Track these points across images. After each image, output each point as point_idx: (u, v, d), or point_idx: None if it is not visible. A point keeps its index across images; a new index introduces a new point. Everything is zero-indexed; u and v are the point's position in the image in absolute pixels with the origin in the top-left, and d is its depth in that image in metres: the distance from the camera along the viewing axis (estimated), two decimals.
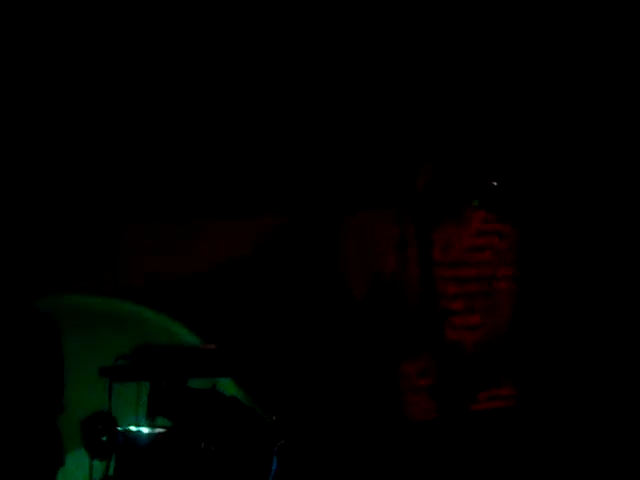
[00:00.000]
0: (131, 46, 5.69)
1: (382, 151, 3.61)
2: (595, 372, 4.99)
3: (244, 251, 5.33)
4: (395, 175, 3.49)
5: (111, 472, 4.69)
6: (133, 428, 4.82)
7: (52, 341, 4.71)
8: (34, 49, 5.73)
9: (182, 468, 4.76)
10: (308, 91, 5.43)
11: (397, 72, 5.24)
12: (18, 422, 4.48)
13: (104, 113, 5.81)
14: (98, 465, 4.82)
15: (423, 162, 3.60)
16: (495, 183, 3.83)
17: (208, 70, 5.72)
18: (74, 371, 4.82)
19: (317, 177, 5.19)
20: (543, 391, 4.81)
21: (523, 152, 4.91)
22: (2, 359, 4.55)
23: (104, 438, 4.68)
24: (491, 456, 3.31)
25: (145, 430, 4.80)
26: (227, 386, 5.22)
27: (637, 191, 5.18)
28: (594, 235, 5.10)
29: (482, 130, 4.67)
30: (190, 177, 5.76)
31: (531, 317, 3.85)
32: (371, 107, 5.04)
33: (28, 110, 5.81)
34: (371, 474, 4.87)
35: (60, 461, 4.63)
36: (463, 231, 3.68)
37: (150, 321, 5.84)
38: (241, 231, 5.49)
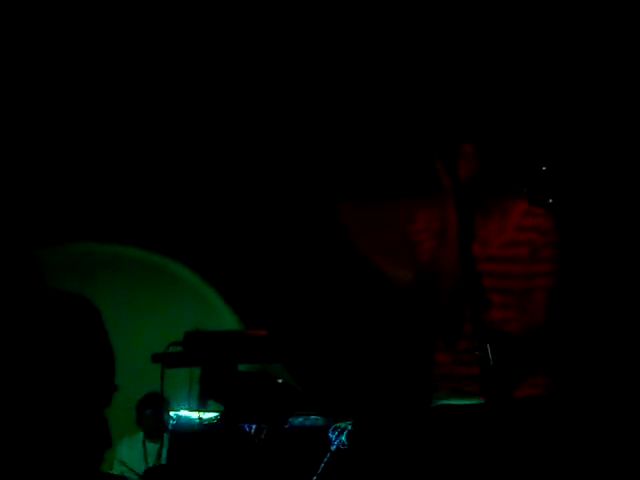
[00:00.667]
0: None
1: (425, 138, 3.37)
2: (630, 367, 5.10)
3: None
4: (439, 162, 3.29)
5: (164, 455, 4.91)
6: (185, 412, 4.97)
7: (93, 323, 4.73)
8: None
9: (233, 451, 4.92)
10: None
11: (436, 56, 5.09)
12: (67, 408, 4.61)
13: None
14: (151, 448, 5.07)
15: (467, 148, 3.35)
16: (544, 168, 3.48)
17: None
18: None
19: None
20: (579, 382, 4.92)
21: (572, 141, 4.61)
22: (47, 350, 4.66)
23: (158, 422, 4.84)
24: (528, 441, 3.35)
25: (197, 414, 4.95)
26: (277, 371, 5.20)
27: None
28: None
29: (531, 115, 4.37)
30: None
31: (568, 313, 3.67)
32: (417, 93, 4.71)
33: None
34: (406, 460, 4.90)
35: (108, 442, 4.78)
36: (503, 225, 3.46)
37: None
38: None
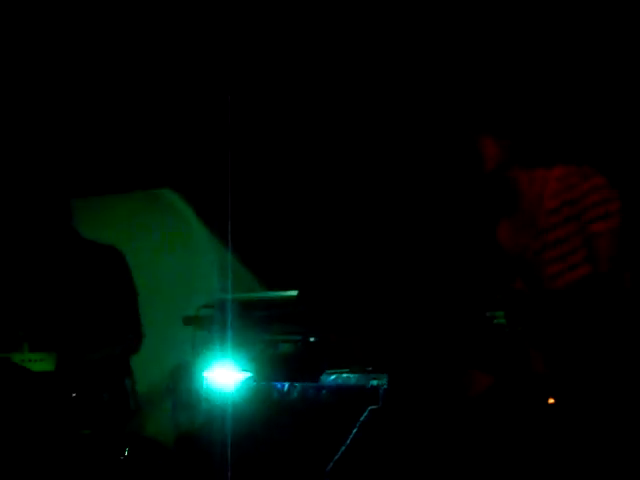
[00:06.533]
0: None
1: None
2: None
3: None
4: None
5: (196, 421, 4.92)
6: (218, 373, 4.98)
7: (121, 272, 4.80)
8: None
9: (267, 411, 4.93)
10: None
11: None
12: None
13: None
14: (183, 413, 5.09)
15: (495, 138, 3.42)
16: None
17: None
18: None
19: None
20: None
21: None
22: (76, 298, 4.72)
23: (186, 387, 4.88)
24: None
25: (229, 374, 4.96)
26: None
27: None
28: None
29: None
30: None
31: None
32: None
33: None
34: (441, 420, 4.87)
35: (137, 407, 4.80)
36: (541, 196, 3.49)
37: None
38: None
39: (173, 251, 5.99)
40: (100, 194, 6.15)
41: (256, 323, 4.98)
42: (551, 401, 3.36)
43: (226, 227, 5.31)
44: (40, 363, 4.45)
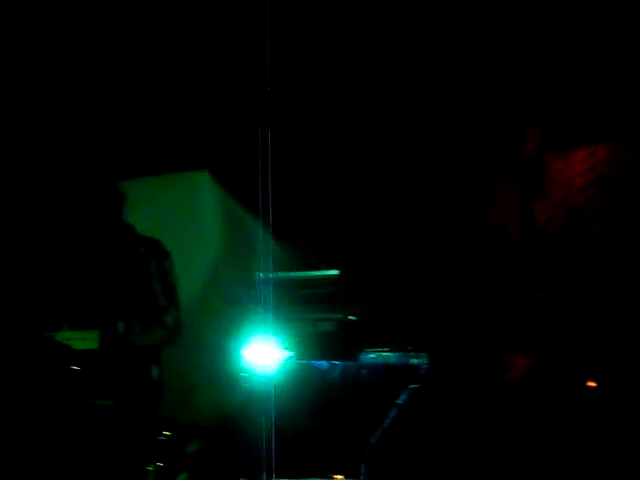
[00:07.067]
0: None
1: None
2: None
3: None
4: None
5: (237, 401, 4.93)
6: (256, 356, 4.99)
7: (162, 263, 4.85)
8: None
9: (308, 390, 4.94)
10: None
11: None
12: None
13: None
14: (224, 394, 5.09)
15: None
16: None
17: None
18: None
19: None
20: None
21: None
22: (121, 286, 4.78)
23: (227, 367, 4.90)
24: None
25: (270, 357, 4.96)
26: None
27: None
28: None
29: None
30: None
31: None
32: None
33: None
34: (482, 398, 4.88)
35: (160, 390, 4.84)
36: (571, 176, 3.57)
37: None
38: None
39: (212, 232, 6.01)
40: (139, 176, 6.18)
41: (296, 302, 4.98)
42: (591, 384, 3.36)
43: (264, 207, 5.33)
44: (83, 342, 4.50)
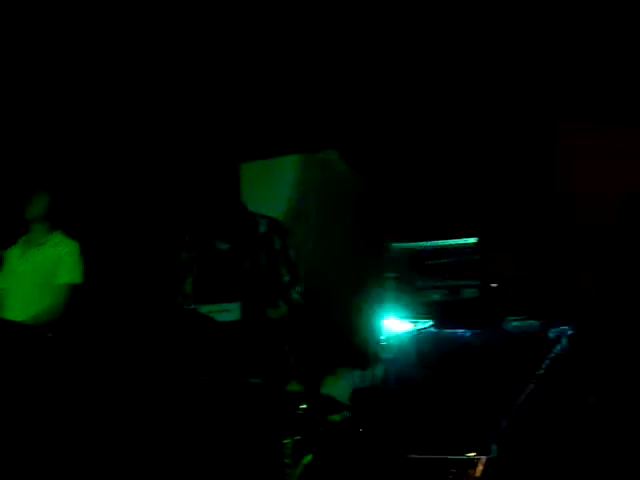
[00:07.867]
0: None
1: None
2: None
3: None
4: None
5: (377, 372, 4.93)
6: (397, 325, 4.98)
7: (284, 239, 4.87)
8: None
9: (449, 358, 4.89)
10: None
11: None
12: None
13: None
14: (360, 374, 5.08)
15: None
16: None
17: None
18: None
19: None
20: None
21: None
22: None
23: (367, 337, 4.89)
24: None
25: (409, 327, 4.95)
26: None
27: None
28: None
29: None
30: None
31: None
32: None
33: None
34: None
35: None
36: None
37: None
38: None
39: (340, 209, 6.02)
40: (267, 157, 6.23)
41: (431, 271, 4.95)
42: None
43: (391, 183, 5.33)
44: (224, 314, 4.53)
